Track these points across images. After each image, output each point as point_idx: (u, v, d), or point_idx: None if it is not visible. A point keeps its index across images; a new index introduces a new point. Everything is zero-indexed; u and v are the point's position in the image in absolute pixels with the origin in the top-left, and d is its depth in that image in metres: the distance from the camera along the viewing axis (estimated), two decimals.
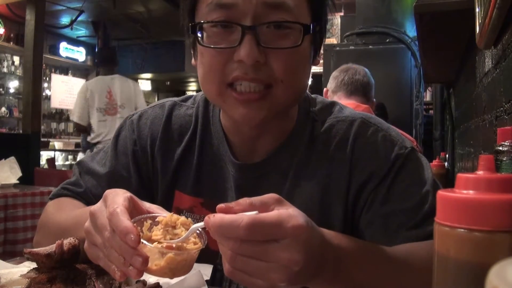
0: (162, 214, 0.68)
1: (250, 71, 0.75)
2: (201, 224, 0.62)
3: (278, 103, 0.79)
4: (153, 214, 0.68)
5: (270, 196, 0.59)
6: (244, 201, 0.58)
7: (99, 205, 0.67)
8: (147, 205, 0.70)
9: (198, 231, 0.66)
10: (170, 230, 0.65)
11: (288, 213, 0.56)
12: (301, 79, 0.82)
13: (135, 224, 0.62)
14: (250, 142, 0.91)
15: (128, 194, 0.67)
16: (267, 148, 0.91)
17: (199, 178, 0.94)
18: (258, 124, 0.81)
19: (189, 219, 0.67)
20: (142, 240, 0.61)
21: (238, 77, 0.76)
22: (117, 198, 0.65)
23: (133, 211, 0.66)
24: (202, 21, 0.79)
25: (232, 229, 0.54)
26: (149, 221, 0.66)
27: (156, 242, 0.64)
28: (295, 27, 0.77)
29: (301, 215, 0.57)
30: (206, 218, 0.57)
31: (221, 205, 0.58)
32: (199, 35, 0.79)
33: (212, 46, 0.77)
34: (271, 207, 0.58)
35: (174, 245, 0.64)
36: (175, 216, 0.67)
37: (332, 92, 2.44)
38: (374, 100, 2.54)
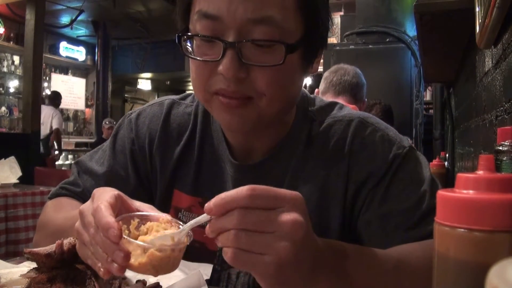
0: (152, 213, 0.67)
1: (232, 84, 0.75)
2: (202, 218, 0.61)
3: (261, 113, 0.79)
4: (142, 213, 0.67)
5: None
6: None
7: (87, 203, 0.67)
8: (137, 204, 0.70)
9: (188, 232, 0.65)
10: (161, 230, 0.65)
11: (286, 189, 0.58)
12: (287, 92, 0.81)
13: (120, 222, 0.61)
14: (247, 143, 0.91)
15: (116, 191, 0.67)
16: (265, 149, 0.90)
17: (198, 177, 0.94)
18: (244, 132, 0.82)
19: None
20: (125, 236, 0.60)
21: (221, 90, 0.77)
22: (104, 195, 0.65)
23: (122, 208, 0.66)
24: (187, 34, 0.79)
25: (235, 197, 0.55)
26: (137, 220, 0.65)
27: (140, 237, 0.63)
28: (280, 44, 0.74)
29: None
30: (206, 204, 0.58)
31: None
32: (188, 44, 0.80)
33: (198, 58, 0.78)
34: None
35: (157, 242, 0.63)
36: (170, 217, 0.66)
37: (322, 93, 2.45)
38: (366, 100, 2.55)
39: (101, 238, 0.60)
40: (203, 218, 0.60)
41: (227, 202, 0.56)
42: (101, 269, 0.62)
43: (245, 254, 0.56)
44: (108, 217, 0.60)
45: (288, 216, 0.55)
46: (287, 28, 0.75)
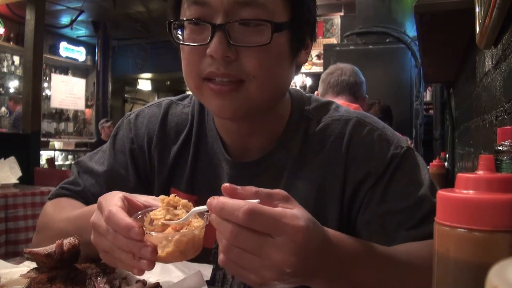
0: (159, 206, 0.69)
1: (222, 66, 0.77)
2: (203, 207, 0.63)
3: (252, 98, 0.80)
4: (151, 208, 0.69)
5: (279, 191, 0.60)
6: (250, 188, 0.59)
7: (96, 214, 0.68)
8: (142, 199, 0.71)
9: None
10: (170, 210, 0.67)
11: (292, 212, 0.57)
12: (276, 75, 0.82)
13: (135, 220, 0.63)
14: (242, 141, 0.91)
15: (121, 194, 0.68)
16: (261, 147, 0.91)
17: (194, 176, 0.95)
18: (233, 116, 0.82)
19: (190, 202, 0.68)
20: (147, 232, 0.62)
21: (212, 73, 0.78)
22: (111, 200, 0.66)
23: (130, 209, 0.67)
24: (175, 20, 0.82)
25: (233, 211, 0.55)
26: (149, 216, 0.67)
27: (160, 224, 0.65)
28: (267, 24, 0.76)
29: (304, 218, 0.57)
30: (209, 199, 0.58)
31: (226, 185, 0.59)
32: (179, 32, 0.83)
33: (186, 43, 0.80)
34: (275, 203, 0.58)
35: (177, 227, 0.65)
36: (177, 197, 0.68)
37: (321, 95, 2.44)
38: (367, 96, 2.54)
39: (123, 240, 0.61)
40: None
41: (225, 213, 0.56)
42: (134, 269, 0.63)
43: (233, 265, 0.57)
44: (125, 219, 0.61)
45: (279, 253, 0.55)
46: (272, 9, 0.77)
